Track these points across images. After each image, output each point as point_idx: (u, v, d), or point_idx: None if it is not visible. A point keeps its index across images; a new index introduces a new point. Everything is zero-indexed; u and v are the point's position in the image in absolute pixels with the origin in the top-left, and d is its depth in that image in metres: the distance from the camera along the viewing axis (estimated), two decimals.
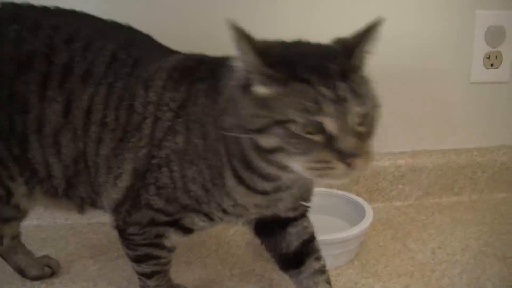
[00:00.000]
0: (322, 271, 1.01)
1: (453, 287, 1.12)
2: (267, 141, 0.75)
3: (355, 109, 0.73)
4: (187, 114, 0.87)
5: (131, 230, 0.95)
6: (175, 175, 0.88)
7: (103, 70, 0.93)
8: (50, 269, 1.19)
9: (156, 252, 0.98)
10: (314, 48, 0.81)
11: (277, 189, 0.89)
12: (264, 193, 0.89)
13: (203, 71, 0.90)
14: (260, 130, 0.75)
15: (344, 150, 0.72)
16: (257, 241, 1.05)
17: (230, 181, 0.87)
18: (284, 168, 0.77)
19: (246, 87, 0.77)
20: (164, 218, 0.93)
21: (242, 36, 0.73)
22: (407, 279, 1.15)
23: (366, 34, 0.79)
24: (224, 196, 0.89)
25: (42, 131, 0.93)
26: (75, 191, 0.97)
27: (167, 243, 0.97)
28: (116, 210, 0.94)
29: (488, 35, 1.47)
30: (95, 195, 0.97)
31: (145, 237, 0.95)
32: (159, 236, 0.95)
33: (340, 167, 0.72)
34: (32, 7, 0.99)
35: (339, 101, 0.72)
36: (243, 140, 0.80)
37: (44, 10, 0.99)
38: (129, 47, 0.95)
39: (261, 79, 0.75)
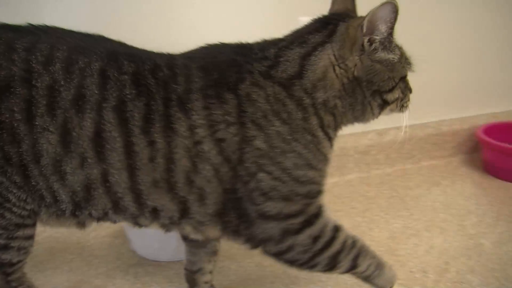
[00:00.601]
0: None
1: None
2: (392, 96, 0.96)
3: None
4: (251, 115, 0.88)
5: (273, 249, 0.93)
6: (276, 173, 0.89)
7: (96, 93, 0.86)
8: None
9: (331, 250, 0.94)
10: None
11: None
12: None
13: (231, 73, 0.91)
14: (391, 89, 0.95)
15: (410, 87, 1.01)
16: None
17: (327, 147, 0.95)
18: (380, 114, 0.99)
19: (372, 58, 0.92)
20: (297, 221, 0.92)
21: (396, 9, 0.88)
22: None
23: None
24: (327, 163, 0.96)
25: (40, 161, 0.87)
26: (85, 212, 0.92)
27: (335, 233, 0.94)
28: (220, 222, 0.93)
29: None
30: (126, 213, 0.92)
31: (300, 250, 0.93)
32: (316, 238, 0.93)
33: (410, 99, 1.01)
34: (8, 28, 0.91)
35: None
36: (373, 103, 0.96)
37: (15, 30, 0.91)
38: (116, 59, 0.89)
39: (388, 37, 0.92)
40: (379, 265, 0.98)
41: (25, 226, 0.93)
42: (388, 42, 0.92)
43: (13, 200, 0.89)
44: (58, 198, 0.90)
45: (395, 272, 1.01)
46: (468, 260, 1.29)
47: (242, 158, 0.88)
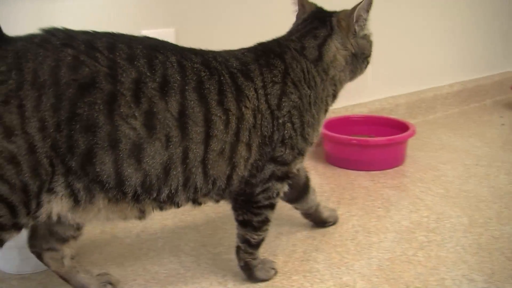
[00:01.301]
0: None
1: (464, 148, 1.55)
2: (363, 67, 1.30)
3: None
4: (292, 78, 1.16)
5: (258, 189, 1.14)
6: (297, 126, 1.15)
7: (179, 79, 1.01)
8: (111, 286, 1.18)
9: (271, 215, 1.20)
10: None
11: None
12: None
13: (276, 47, 1.21)
14: (363, 60, 1.30)
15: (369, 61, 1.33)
16: None
17: (324, 113, 1.27)
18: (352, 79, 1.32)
19: (362, 36, 1.27)
20: (282, 169, 1.16)
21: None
22: (445, 150, 1.47)
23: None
24: (319, 129, 1.26)
25: (118, 146, 0.95)
26: (152, 195, 1.01)
27: (276, 202, 1.20)
28: (240, 184, 1.11)
29: None
30: (196, 192, 1.06)
31: (268, 195, 1.16)
32: (278, 194, 1.19)
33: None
34: (81, 31, 0.99)
35: None
36: (362, 66, 1.31)
37: (91, 34, 1.00)
38: (183, 55, 1.06)
39: (363, 24, 1.26)
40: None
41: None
42: (365, 23, 1.26)
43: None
44: (125, 181, 0.98)
45: None
46: (313, 240, 1.44)
47: (280, 105, 1.13)
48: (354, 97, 2.32)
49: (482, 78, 2.89)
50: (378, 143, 1.94)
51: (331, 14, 1.27)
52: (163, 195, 1.02)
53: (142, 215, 1.06)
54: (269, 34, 1.27)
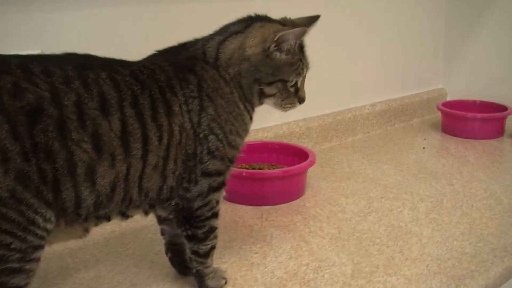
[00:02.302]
0: None
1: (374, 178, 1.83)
2: (268, 90, 1.20)
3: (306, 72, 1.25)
4: (205, 91, 1.13)
5: (197, 204, 1.15)
6: (221, 136, 1.14)
7: (116, 94, 1.01)
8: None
9: (216, 223, 1.20)
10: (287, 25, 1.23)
11: None
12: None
13: (187, 60, 1.16)
14: (269, 83, 1.19)
15: (302, 97, 1.27)
16: None
17: (248, 120, 1.22)
18: (262, 103, 1.24)
19: (268, 55, 1.17)
20: (218, 180, 1.17)
21: (306, 33, 1.19)
22: (353, 180, 1.90)
23: (310, 22, 1.26)
24: (246, 134, 1.23)
25: (76, 171, 0.97)
26: (102, 212, 1.04)
27: (219, 209, 1.20)
28: (171, 196, 1.13)
29: None
30: (129, 205, 1.08)
31: (210, 207, 1.17)
32: (218, 202, 1.19)
33: (297, 105, 1.26)
34: (13, 56, 0.98)
35: (306, 68, 1.25)
36: (253, 89, 1.19)
37: (21, 57, 1.00)
38: (111, 68, 1.05)
39: (292, 51, 1.19)
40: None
41: (42, 247, 0.97)
42: (292, 50, 1.18)
43: (39, 221, 0.94)
44: (82, 204, 1.00)
45: None
46: None
47: (200, 122, 1.12)
48: (259, 121, 2.10)
49: (408, 96, 2.71)
50: (267, 175, 1.72)
51: (266, 19, 1.22)
52: (105, 211, 1.05)
53: (85, 233, 1.09)
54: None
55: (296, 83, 1.24)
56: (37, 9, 1.50)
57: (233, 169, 1.71)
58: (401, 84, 2.70)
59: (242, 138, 1.23)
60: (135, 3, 1.68)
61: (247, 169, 1.87)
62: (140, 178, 1.08)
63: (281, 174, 1.72)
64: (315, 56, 2.20)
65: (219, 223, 1.23)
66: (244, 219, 1.62)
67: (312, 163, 1.77)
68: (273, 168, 1.89)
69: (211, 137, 1.14)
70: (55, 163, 0.95)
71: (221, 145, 1.16)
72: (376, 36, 2.51)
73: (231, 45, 1.19)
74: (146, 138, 1.05)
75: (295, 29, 1.15)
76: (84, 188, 0.99)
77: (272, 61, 1.18)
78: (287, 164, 1.89)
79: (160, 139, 1.07)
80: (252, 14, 1.24)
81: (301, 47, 1.23)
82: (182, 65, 1.16)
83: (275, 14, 1.28)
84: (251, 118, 1.24)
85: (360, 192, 1.81)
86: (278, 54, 1.17)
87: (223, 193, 1.23)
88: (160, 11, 1.75)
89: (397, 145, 2.36)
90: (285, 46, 1.17)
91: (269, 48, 1.16)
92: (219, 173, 1.19)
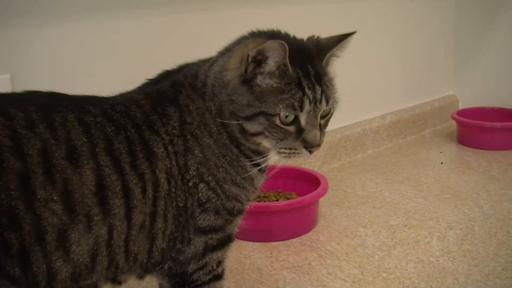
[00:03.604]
0: None
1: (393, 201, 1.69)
2: (251, 127, 0.92)
3: (323, 109, 0.93)
4: (189, 126, 0.93)
5: (192, 267, 0.96)
6: (212, 185, 0.94)
7: (86, 140, 0.84)
8: None
9: (219, 285, 1.01)
10: (296, 45, 0.95)
11: (265, 169, 1.04)
12: (263, 170, 1.02)
13: (170, 88, 0.96)
14: (248, 118, 0.91)
15: (310, 141, 0.92)
16: None
17: (248, 166, 0.97)
18: (259, 145, 0.95)
19: (247, 80, 0.91)
20: (216, 236, 0.97)
21: (282, 48, 0.87)
22: (369, 205, 1.70)
23: (339, 41, 0.97)
24: (251, 184, 0.99)
25: (45, 238, 0.79)
26: (84, 283, 0.85)
27: (223, 268, 1.00)
28: (163, 259, 0.93)
29: None
30: (116, 271, 0.88)
31: (208, 270, 0.98)
32: (220, 263, 0.99)
33: (304, 153, 0.93)
34: None
35: (316, 102, 0.92)
36: (233, 125, 0.93)
37: None
38: (80, 108, 0.88)
39: (277, 72, 0.90)
40: None
41: None
42: (278, 72, 0.91)
43: None
44: (56, 276, 0.81)
45: None
46: None
47: (187, 165, 0.92)
48: None
49: (419, 105, 2.52)
50: (275, 208, 1.52)
51: (265, 35, 0.97)
52: (88, 282, 0.87)
53: None
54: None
55: (296, 119, 0.92)
56: (6, 27, 1.30)
57: None
58: (411, 93, 2.51)
59: (243, 188, 0.99)
60: (109, 19, 1.48)
61: None
62: (126, 241, 0.88)
63: (291, 206, 1.52)
64: None
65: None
66: (251, 259, 1.42)
67: (325, 191, 1.58)
68: (279, 195, 1.69)
69: (201, 186, 0.94)
70: (20, 229, 0.77)
71: (213, 195, 0.95)
72: (383, 43, 2.32)
73: (216, 68, 0.97)
74: (128, 191, 0.86)
75: (272, 43, 0.87)
76: (56, 258, 0.81)
77: (251, 88, 0.92)
78: (295, 190, 1.70)
79: (144, 190, 0.87)
80: (257, 29, 1.01)
81: (311, 73, 0.94)
82: (161, 96, 0.96)
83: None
84: (257, 165, 0.98)
85: (379, 220, 1.61)
86: (259, 78, 0.92)
87: (228, 250, 1.02)
88: (135, 27, 1.55)
89: (412, 160, 2.16)
90: (267, 67, 0.91)
91: (246, 70, 0.92)
92: (216, 229, 0.98)
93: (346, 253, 1.43)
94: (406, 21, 2.40)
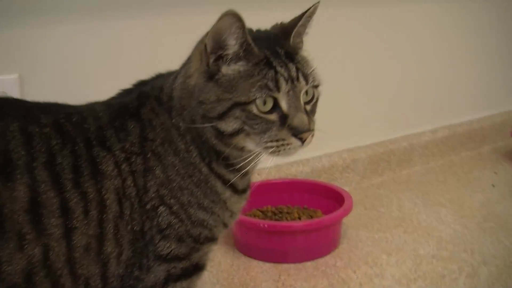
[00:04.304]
0: None
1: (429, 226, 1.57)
2: (227, 125, 0.82)
3: (304, 88, 0.85)
4: (151, 144, 0.86)
5: None
6: (175, 208, 0.86)
7: (24, 153, 0.78)
8: None
9: None
10: (260, 33, 0.91)
11: (245, 190, 0.95)
12: (242, 191, 0.93)
13: (134, 101, 0.89)
14: (221, 115, 0.82)
15: (297, 126, 0.83)
16: None
17: (220, 187, 0.89)
18: (242, 149, 0.85)
19: (212, 75, 0.84)
20: (180, 265, 0.89)
21: (236, 18, 0.79)
22: (401, 229, 1.57)
23: (302, 15, 0.89)
24: (223, 207, 0.91)
25: None
26: None
27: None
28: (123, 286, 0.86)
29: None
30: None
31: None
32: None
33: (294, 142, 0.83)
34: None
35: (292, 80, 0.84)
36: (207, 131, 0.84)
37: None
38: (30, 116, 0.82)
39: (242, 54, 0.82)
40: None
41: None
42: (241, 53, 0.83)
43: None
44: None
45: None
46: None
47: (146, 186, 0.85)
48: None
49: (478, 119, 2.32)
50: (288, 229, 1.42)
51: None
52: None
53: None
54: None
55: (276, 106, 0.84)
56: (12, 26, 1.29)
57: (249, 219, 1.45)
58: (468, 105, 2.32)
59: (213, 213, 0.91)
60: (118, 18, 1.43)
61: (274, 212, 1.59)
62: (69, 263, 0.81)
63: (305, 227, 1.42)
64: (363, 74, 1.90)
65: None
66: (256, 281, 1.33)
67: (347, 212, 1.46)
68: (303, 212, 1.59)
69: (161, 209, 0.87)
70: None
71: (175, 220, 0.88)
72: (438, 50, 2.15)
73: (180, 79, 0.90)
74: (67, 210, 0.80)
75: (223, 17, 0.80)
76: None
77: (217, 81, 0.85)
78: (322, 208, 1.60)
79: (86, 211, 0.81)
80: None
81: (281, 53, 0.87)
82: (122, 109, 0.89)
83: None
84: (231, 186, 0.92)
85: (407, 248, 1.47)
86: (224, 67, 0.84)
87: (198, 278, 0.94)
88: (141, 27, 1.49)
89: (461, 180, 1.99)
90: (228, 50, 0.83)
91: (208, 64, 0.84)
92: (179, 257, 0.90)
93: (360, 284, 1.31)
94: (465, 25, 2.22)
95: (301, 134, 0.84)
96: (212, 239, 0.94)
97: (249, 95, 0.82)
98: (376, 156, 1.98)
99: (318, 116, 1.78)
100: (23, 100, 0.90)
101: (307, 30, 0.94)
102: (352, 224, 1.61)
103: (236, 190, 0.94)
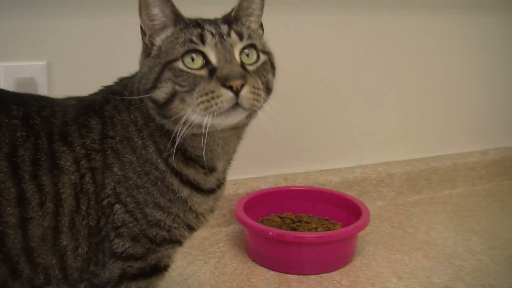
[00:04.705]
0: None
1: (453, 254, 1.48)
2: (161, 91, 0.81)
3: (238, 44, 0.84)
4: (111, 141, 0.86)
5: None
6: (130, 207, 0.86)
7: None
8: None
9: None
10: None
11: (213, 189, 0.93)
12: (209, 191, 0.92)
13: (102, 97, 0.90)
14: (155, 82, 0.81)
15: (225, 74, 0.78)
16: None
17: (177, 185, 0.87)
18: (180, 118, 0.80)
19: (149, 52, 0.86)
20: (135, 265, 0.89)
21: None
22: (422, 252, 1.49)
23: None
24: (184, 208, 0.89)
25: None
26: None
27: None
28: (80, 279, 0.88)
29: (18, 88, 1.39)
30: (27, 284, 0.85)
31: None
32: None
33: (224, 93, 0.78)
34: None
35: (222, 35, 0.83)
36: (150, 109, 0.84)
37: None
38: (4, 108, 0.84)
39: (169, 21, 0.85)
40: None
41: None
42: (172, 20, 0.86)
43: None
44: None
45: None
46: None
47: (104, 182, 0.85)
48: (325, 161, 1.78)
49: None
50: (293, 239, 1.39)
51: None
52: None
53: None
54: None
55: (207, 62, 0.82)
56: (42, 15, 1.33)
57: (257, 225, 1.43)
58: None
59: (170, 213, 0.90)
60: None
61: (293, 220, 1.56)
62: (26, 251, 0.83)
63: (312, 240, 1.38)
64: (407, 85, 1.82)
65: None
66: None
67: (359, 229, 1.41)
68: (322, 223, 1.56)
69: (117, 207, 0.87)
70: None
71: (130, 219, 0.87)
72: (497, 67, 2.01)
73: (139, 74, 0.89)
74: (23, 201, 0.81)
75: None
76: None
77: (152, 55, 0.87)
78: (342, 221, 1.56)
79: (41, 203, 0.82)
80: None
81: (215, 20, 0.89)
82: (89, 105, 0.90)
83: None
84: (186, 181, 0.89)
85: (421, 274, 1.40)
86: (157, 39, 0.87)
87: (157, 281, 0.93)
88: None
89: (504, 208, 1.87)
90: (156, 20, 0.86)
91: (146, 43, 0.88)
92: (134, 257, 0.89)
93: None
94: None
95: (229, 81, 0.78)
96: (171, 241, 0.93)
97: (174, 52, 0.82)
98: (414, 172, 1.90)
99: (353, 126, 1.74)
100: (2, 90, 0.93)
101: (259, 12, 0.93)
102: (372, 240, 1.55)
103: (200, 189, 0.91)
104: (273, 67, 0.91)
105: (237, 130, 0.90)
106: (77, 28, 1.38)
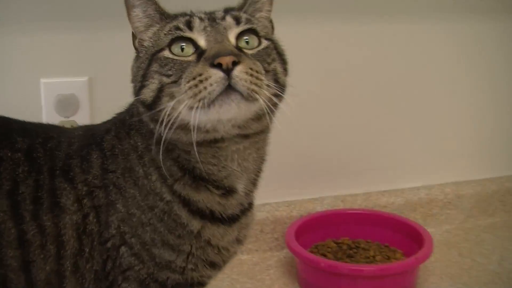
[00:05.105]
0: None
1: None
2: (148, 89, 0.74)
3: (232, 27, 0.76)
4: (112, 176, 0.80)
5: None
6: (136, 249, 0.79)
7: None
8: None
9: None
10: None
11: (236, 216, 0.83)
12: (231, 219, 0.82)
13: (105, 126, 0.85)
14: (142, 81, 0.75)
15: (215, 53, 0.70)
16: None
17: (185, 216, 0.78)
18: (173, 114, 0.71)
19: (138, 57, 0.80)
20: None
21: None
22: (493, 287, 1.35)
23: None
24: (199, 243, 0.80)
25: None
26: None
27: None
28: None
29: (59, 104, 1.38)
30: None
31: None
32: None
33: (213, 73, 0.68)
34: None
35: (213, 19, 0.77)
36: (144, 117, 0.76)
37: None
38: (5, 139, 0.81)
39: (156, 18, 0.80)
40: None
41: None
42: (158, 17, 0.81)
43: None
44: None
45: None
46: None
47: (108, 221, 0.78)
48: (387, 181, 1.67)
49: None
50: (346, 271, 1.29)
51: None
52: None
53: None
54: None
55: (196, 48, 0.75)
56: (83, 30, 1.31)
57: (308, 255, 1.34)
58: None
59: (181, 251, 0.80)
60: None
61: (350, 246, 1.47)
62: None
63: (367, 273, 1.27)
64: (478, 98, 1.68)
65: None
66: None
67: (419, 261, 1.29)
68: (381, 251, 1.45)
69: (122, 249, 0.79)
70: None
71: (136, 262, 0.80)
72: None
73: (131, 75, 0.85)
74: (24, 242, 0.76)
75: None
76: None
77: (140, 54, 0.82)
78: (403, 248, 1.45)
79: (42, 245, 0.77)
80: None
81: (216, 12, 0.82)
82: (93, 136, 0.84)
83: None
84: (199, 212, 0.80)
85: None
86: (146, 37, 0.81)
87: None
88: None
89: None
90: (143, 19, 0.81)
91: (136, 47, 0.83)
92: None
93: None
94: None
95: (217, 59, 0.69)
96: (187, 285, 0.83)
97: (159, 43, 0.77)
98: (487, 193, 1.75)
99: (417, 142, 1.61)
100: (9, 119, 0.88)
101: (268, 7, 0.86)
102: (437, 270, 1.43)
103: (217, 218, 0.82)
104: (282, 58, 0.81)
105: (252, 139, 0.79)
106: (119, 42, 1.33)
